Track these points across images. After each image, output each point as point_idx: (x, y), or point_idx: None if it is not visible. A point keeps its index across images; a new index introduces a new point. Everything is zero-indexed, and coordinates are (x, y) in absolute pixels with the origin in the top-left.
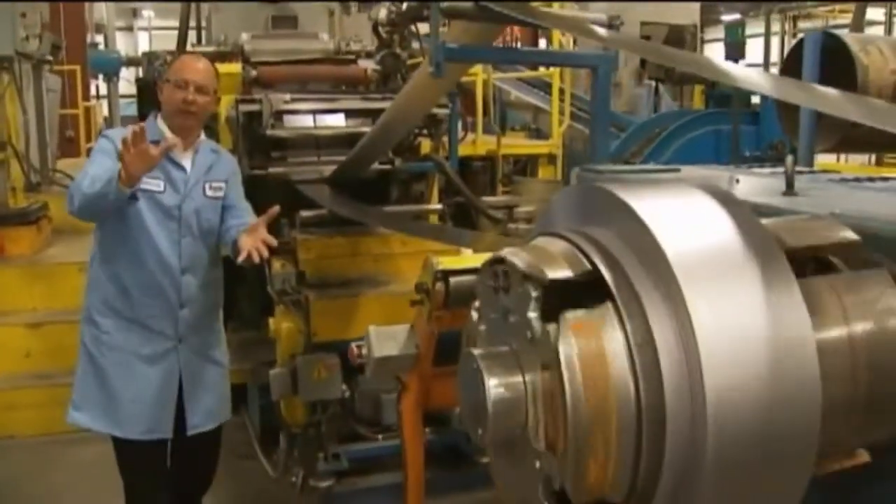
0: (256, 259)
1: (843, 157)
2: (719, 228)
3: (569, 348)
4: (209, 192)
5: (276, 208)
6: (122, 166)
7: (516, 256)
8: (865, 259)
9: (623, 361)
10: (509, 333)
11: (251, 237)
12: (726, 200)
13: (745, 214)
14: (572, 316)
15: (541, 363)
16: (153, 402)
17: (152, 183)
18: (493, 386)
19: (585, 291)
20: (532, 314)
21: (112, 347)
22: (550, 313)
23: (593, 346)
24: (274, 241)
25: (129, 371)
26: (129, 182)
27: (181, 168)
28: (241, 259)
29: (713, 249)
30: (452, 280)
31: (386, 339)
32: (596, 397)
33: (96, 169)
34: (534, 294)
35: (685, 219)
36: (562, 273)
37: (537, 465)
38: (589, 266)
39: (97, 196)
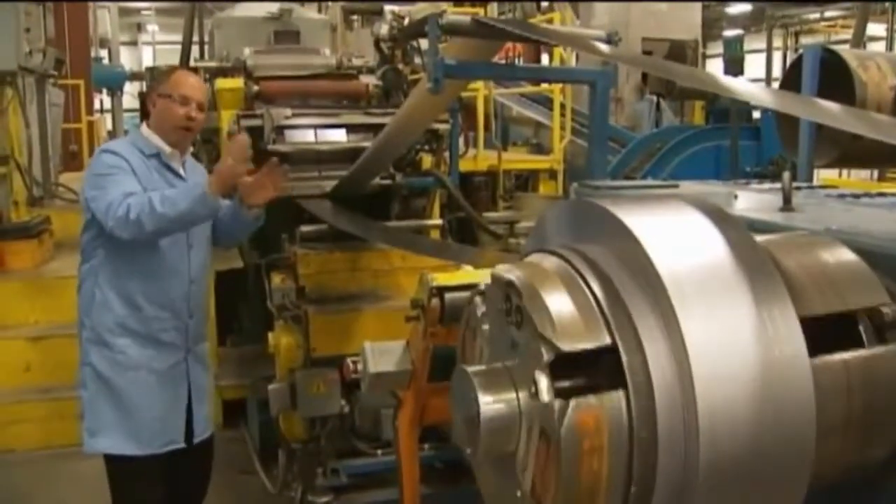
0: (274, 193)
1: (845, 172)
2: (713, 245)
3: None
4: None
5: (275, 160)
6: (216, 180)
7: (524, 287)
8: None
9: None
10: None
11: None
12: (720, 217)
13: (739, 231)
14: None
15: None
16: (169, 413)
17: None
18: (486, 403)
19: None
20: (542, 382)
21: (129, 367)
22: None
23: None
24: (281, 170)
25: (146, 387)
26: (219, 194)
27: (181, 178)
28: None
29: (706, 267)
30: (448, 296)
31: (381, 354)
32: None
33: (129, 188)
34: (545, 357)
35: (679, 235)
36: (577, 345)
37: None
38: (608, 339)
39: (182, 215)
